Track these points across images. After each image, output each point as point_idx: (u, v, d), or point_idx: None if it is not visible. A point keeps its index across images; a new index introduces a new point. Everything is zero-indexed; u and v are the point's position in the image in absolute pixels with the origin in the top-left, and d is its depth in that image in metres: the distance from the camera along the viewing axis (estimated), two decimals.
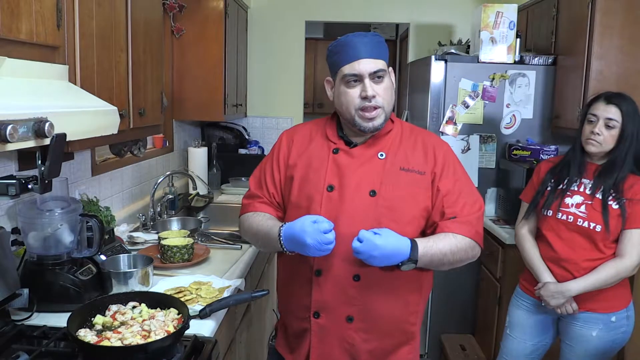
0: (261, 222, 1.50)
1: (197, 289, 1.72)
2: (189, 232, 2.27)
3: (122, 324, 1.39)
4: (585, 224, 1.96)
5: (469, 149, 3.10)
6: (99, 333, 1.34)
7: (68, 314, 1.36)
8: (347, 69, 1.40)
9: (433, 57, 3.07)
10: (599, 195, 1.95)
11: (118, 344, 1.29)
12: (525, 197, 2.20)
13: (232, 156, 3.89)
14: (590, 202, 1.97)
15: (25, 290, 1.48)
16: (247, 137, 4.11)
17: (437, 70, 3.06)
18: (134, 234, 2.37)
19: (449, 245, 1.40)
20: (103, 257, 1.74)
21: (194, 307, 1.56)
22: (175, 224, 2.64)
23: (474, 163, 3.09)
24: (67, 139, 1.24)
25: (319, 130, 1.55)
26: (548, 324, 2.14)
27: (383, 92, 1.42)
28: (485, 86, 3.04)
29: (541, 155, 2.90)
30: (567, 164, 2.07)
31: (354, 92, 1.41)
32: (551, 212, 2.04)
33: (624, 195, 1.92)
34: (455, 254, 1.41)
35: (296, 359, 1.54)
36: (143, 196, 2.86)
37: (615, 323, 1.98)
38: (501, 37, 2.99)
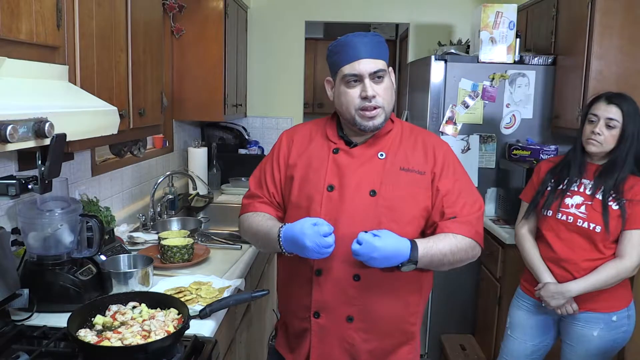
0: (261, 223, 1.50)
1: (197, 289, 1.72)
2: (189, 232, 2.27)
3: (122, 324, 1.39)
4: (585, 225, 1.96)
5: (468, 149, 3.10)
6: (99, 333, 1.34)
7: (68, 314, 1.36)
8: (347, 69, 1.40)
9: (433, 57, 3.07)
10: (599, 196, 1.95)
11: (118, 344, 1.29)
12: (525, 196, 2.20)
13: (232, 156, 3.89)
14: (590, 203, 1.97)
15: (25, 291, 1.48)
16: (247, 137, 4.11)
17: (437, 70, 3.06)
18: (134, 234, 2.37)
19: (449, 245, 1.40)
20: (103, 257, 1.74)
21: (194, 307, 1.56)
22: (175, 224, 2.64)
23: (474, 163, 3.10)
24: (67, 139, 1.24)
25: (319, 130, 1.55)
26: (549, 324, 2.14)
27: (383, 92, 1.42)
28: (485, 86, 3.04)
29: (541, 155, 2.90)
30: (567, 164, 2.07)
31: (354, 92, 1.41)
32: (551, 212, 2.04)
33: (624, 196, 1.92)
34: (455, 254, 1.41)
35: (296, 358, 1.54)
36: (143, 196, 2.86)
37: (616, 322, 1.98)
38: (501, 37, 2.99)
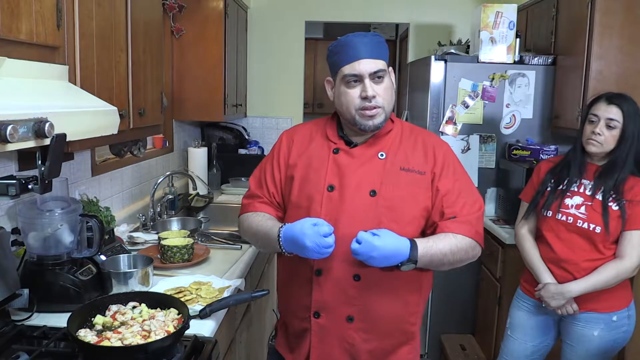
0: (261, 222, 1.50)
1: (197, 289, 1.72)
2: (189, 232, 2.27)
3: (122, 324, 1.39)
4: (585, 225, 1.96)
5: (468, 149, 3.10)
6: (99, 333, 1.34)
7: (68, 314, 1.36)
8: (347, 69, 1.41)
9: (433, 57, 3.07)
10: (599, 197, 1.95)
11: (118, 344, 1.29)
12: (525, 196, 2.20)
13: (232, 156, 3.89)
14: (590, 203, 1.97)
15: (25, 291, 1.48)
16: (247, 137, 4.11)
17: (437, 70, 3.06)
18: (134, 234, 2.37)
19: (449, 245, 1.40)
20: (103, 257, 1.74)
21: (194, 307, 1.56)
22: (175, 224, 2.64)
23: (474, 163, 3.10)
24: (67, 139, 1.24)
25: (319, 130, 1.55)
26: (549, 325, 2.14)
27: (383, 92, 1.42)
28: (485, 86, 3.04)
29: (541, 155, 2.90)
30: (567, 165, 2.07)
31: (354, 92, 1.41)
32: (551, 212, 2.04)
33: (624, 196, 1.92)
34: (455, 254, 1.41)
35: (296, 358, 1.54)
36: (143, 196, 2.86)
37: (616, 322, 1.98)
38: (501, 37, 2.99)
